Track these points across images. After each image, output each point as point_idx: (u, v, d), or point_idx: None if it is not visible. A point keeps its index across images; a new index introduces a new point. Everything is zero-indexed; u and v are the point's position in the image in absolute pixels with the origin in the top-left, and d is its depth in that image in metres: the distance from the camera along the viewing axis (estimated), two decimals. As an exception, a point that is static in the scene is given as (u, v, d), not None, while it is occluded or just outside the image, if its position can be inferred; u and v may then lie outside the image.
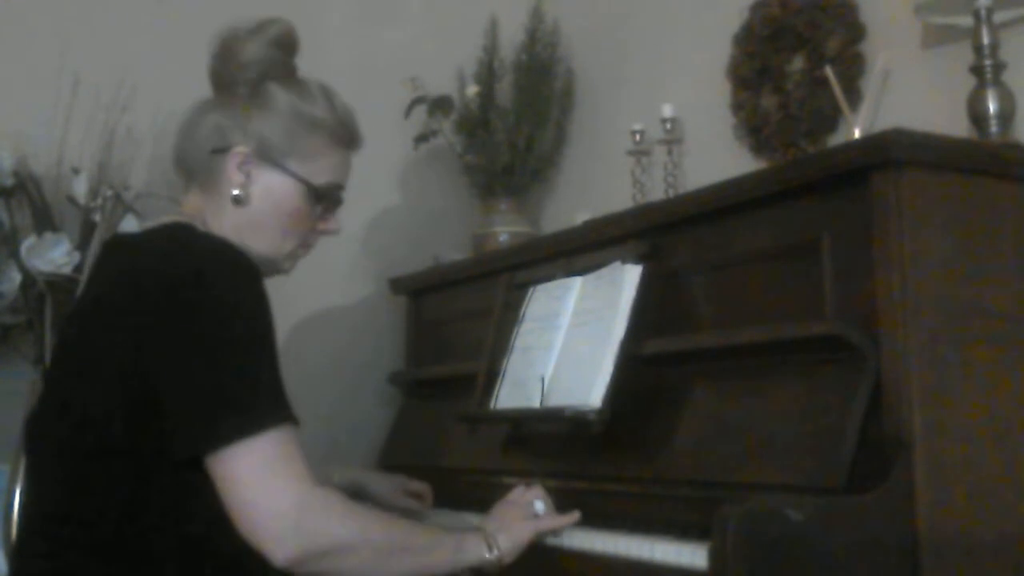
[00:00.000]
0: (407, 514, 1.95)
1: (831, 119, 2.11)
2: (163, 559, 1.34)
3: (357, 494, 2.01)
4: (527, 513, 1.58)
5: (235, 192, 1.50)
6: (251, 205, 1.51)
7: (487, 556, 1.47)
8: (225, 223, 1.50)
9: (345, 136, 1.58)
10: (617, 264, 1.83)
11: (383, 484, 2.06)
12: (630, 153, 2.47)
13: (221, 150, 1.50)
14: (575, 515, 1.60)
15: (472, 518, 1.74)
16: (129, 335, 1.33)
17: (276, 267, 1.57)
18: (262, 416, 1.30)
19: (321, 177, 1.54)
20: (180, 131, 1.56)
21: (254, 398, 1.31)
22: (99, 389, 1.35)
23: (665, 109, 2.39)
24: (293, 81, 1.56)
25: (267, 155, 1.51)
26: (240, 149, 1.50)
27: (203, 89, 1.59)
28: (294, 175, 1.52)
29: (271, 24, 1.56)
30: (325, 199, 1.56)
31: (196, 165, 1.53)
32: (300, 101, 1.54)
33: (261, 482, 1.29)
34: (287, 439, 1.32)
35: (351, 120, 1.59)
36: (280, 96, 1.53)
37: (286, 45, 1.57)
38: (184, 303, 1.32)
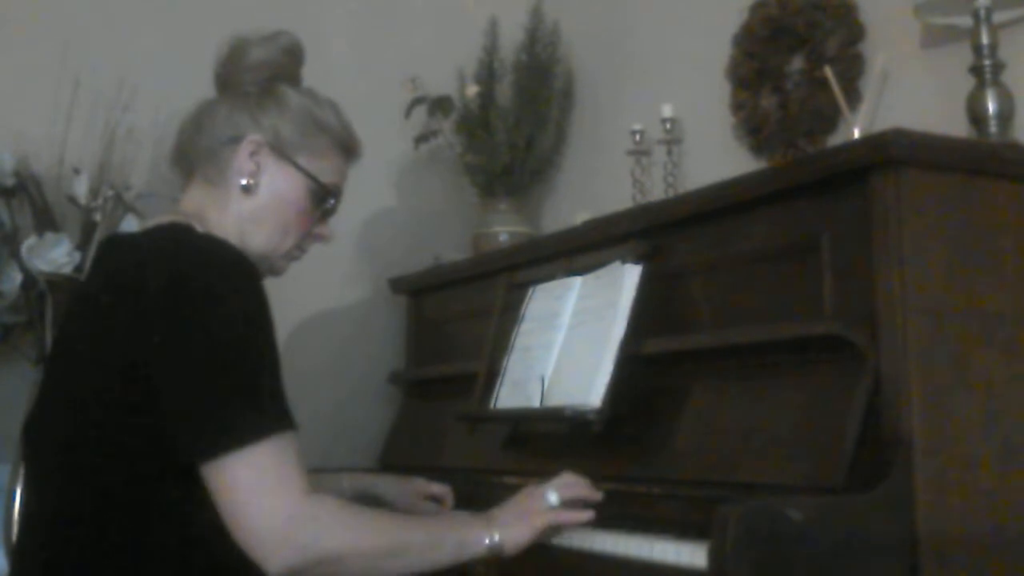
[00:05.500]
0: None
1: (830, 119, 2.11)
2: (162, 561, 1.33)
3: (371, 502, 1.94)
4: (541, 506, 1.51)
5: (244, 181, 1.52)
6: (258, 196, 1.53)
7: (486, 543, 1.43)
8: (229, 215, 1.52)
9: (348, 144, 1.62)
10: (617, 264, 1.83)
11: (398, 489, 1.95)
12: (630, 153, 2.47)
13: (234, 140, 1.52)
14: (587, 514, 1.53)
15: None
16: (127, 337, 1.33)
17: (270, 266, 1.58)
18: (257, 426, 1.29)
19: (326, 177, 1.57)
20: (187, 124, 1.58)
21: (251, 407, 1.30)
22: (97, 390, 1.35)
23: (665, 109, 2.40)
24: (302, 87, 1.61)
25: (279, 148, 1.54)
26: (254, 138, 1.52)
27: (204, 90, 1.60)
28: (303, 170, 1.55)
29: (280, 34, 1.60)
30: (327, 199, 1.58)
31: (203, 156, 1.54)
32: (311, 103, 1.58)
33: (253, 495, 1.28)
34: (282, 448, 1.30)
35: (353, 131, 1.63)
36: (292, 96, 1.57)
37: (294, 54, 1.61)
38: (184, 305, 1.32)
